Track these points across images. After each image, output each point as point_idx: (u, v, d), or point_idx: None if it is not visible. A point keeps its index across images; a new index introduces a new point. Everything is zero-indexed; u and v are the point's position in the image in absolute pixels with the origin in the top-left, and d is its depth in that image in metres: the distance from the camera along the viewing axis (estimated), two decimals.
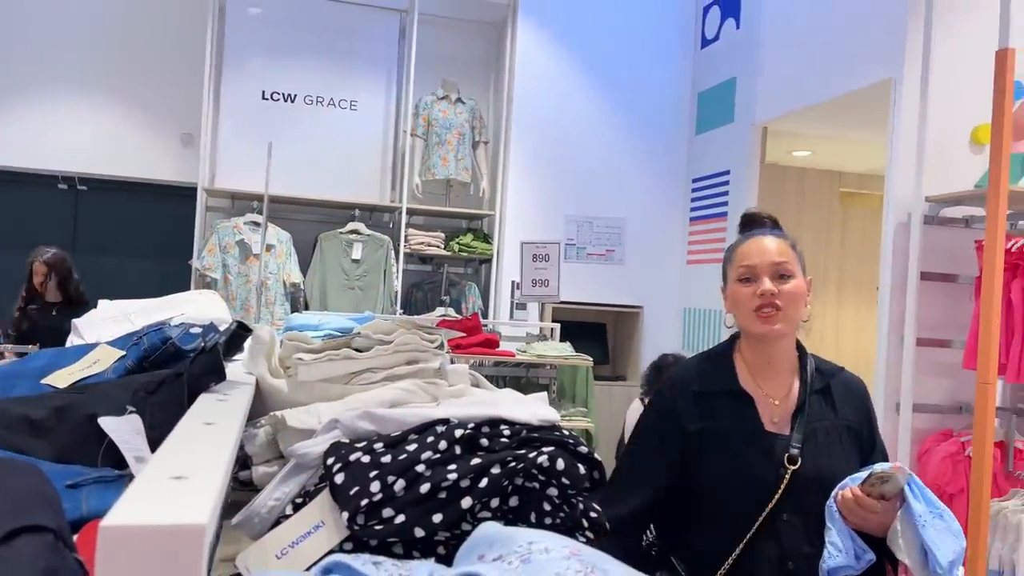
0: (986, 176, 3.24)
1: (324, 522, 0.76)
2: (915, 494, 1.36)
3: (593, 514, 0.82)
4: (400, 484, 0.75)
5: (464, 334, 3.70)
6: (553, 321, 4.44)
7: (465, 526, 0.76)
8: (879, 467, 1.37)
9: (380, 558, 0.69)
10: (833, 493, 1.43)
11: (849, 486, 1.40)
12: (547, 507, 0.78)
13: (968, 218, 3.52)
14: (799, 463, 1.47)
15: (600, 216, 5.46)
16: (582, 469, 0.79)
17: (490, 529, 0.68)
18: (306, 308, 4.72)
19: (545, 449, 0.78)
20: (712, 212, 5.24)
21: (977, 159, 3.53)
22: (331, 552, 0.74)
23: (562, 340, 4.16)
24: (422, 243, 5.07)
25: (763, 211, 1.71)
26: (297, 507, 0.84)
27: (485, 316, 5.07)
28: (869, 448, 1.58)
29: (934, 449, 3.40)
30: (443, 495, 0.74)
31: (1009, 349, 3.16)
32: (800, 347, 1.63)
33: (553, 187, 5.36)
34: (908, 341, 3.46)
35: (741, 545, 1.45)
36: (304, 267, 4.92)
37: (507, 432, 0.82)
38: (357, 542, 0.75)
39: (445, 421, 0.82)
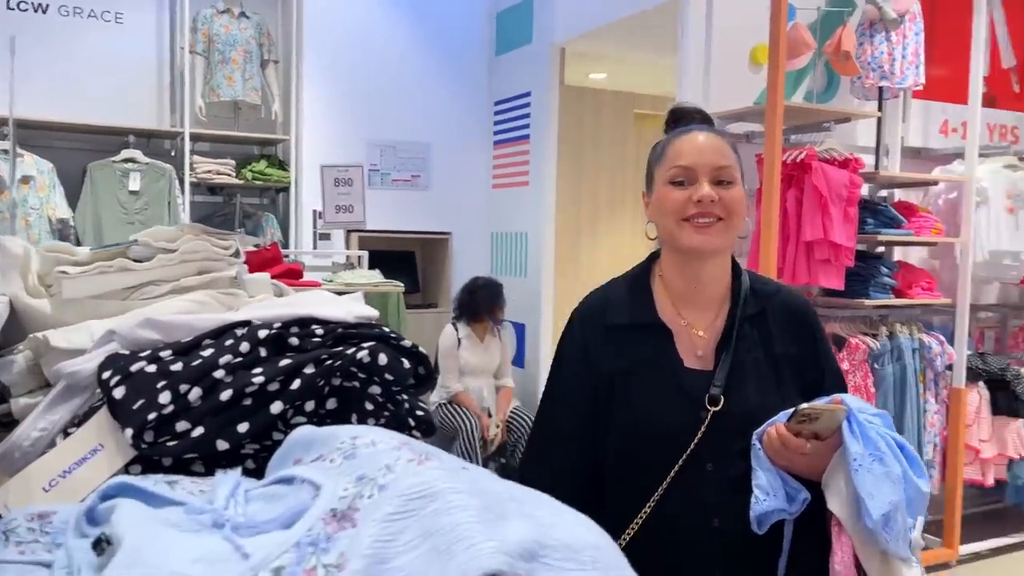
0: (764, 93, 3.46)
1: (103, 444, 0.64)
2: (854, 433, 1.16)
3: (420, 412, 0.75)
4: (196, 393, 0.64)
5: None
6: (360, 250, 4.30)
7: (277, 435, 0.67)
8: (808, 404, 1.17)
9: (176, 477, 0.59)
10: (757, 431, 1.23)
11: (777, 423, 1.21)
12: (370, 406, 0.71)
13: (749, 133, 3.76)
14: (721, 403, 1.27)
15: (404, 140, 5.31)
16: (407, 364, 0.72)
17: (306, 431, 0.60)
18: (78, 246, 4.23)
19: (365, 344, 0.70)
20: (515, 135, 5.26)
21: (756, 78, 3.76)
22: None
23: (370, 269, 4.04)
24: (210, 171, 4.68)
25: (694, 105, 1.46)
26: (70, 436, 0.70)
27: (286, 247, 4.81)
28: (816, 378, 1.36)
29: None
30: (248, 401, 0.65)
31: (785, 253, 3.45)
32: (735, 266, 1.39)
33: (353, 111, 5.13)
34: None
35: (654, 500, 1.26)
36: (73, 200, 4.39)
37: (320, 331, 0.73)
38: (147, 463, 0.64)
39: (246, 323, 0.72)
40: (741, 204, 1.31)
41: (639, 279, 1.42)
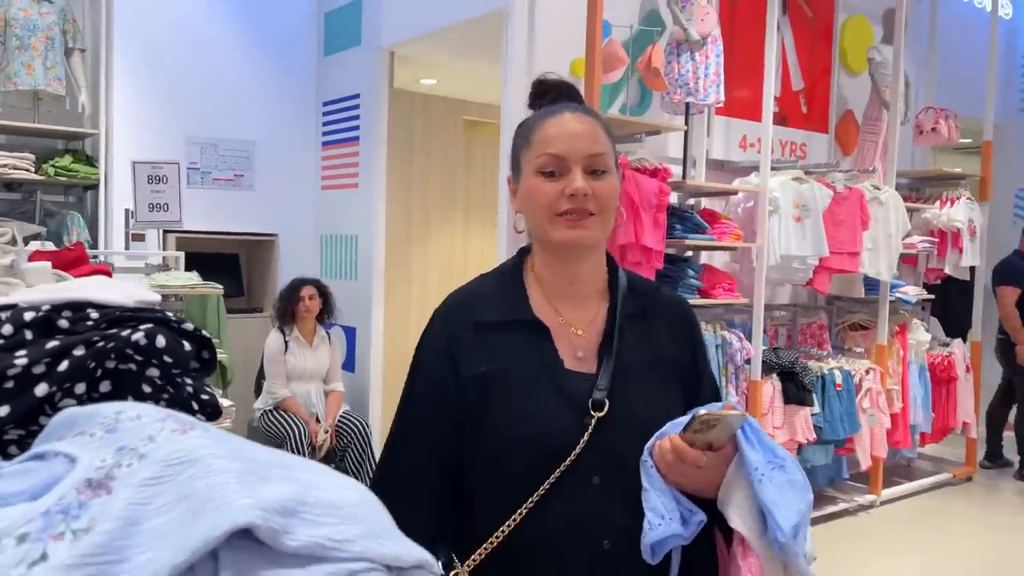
0: None
1: None
2: (750, 441, 1.06)
3: (204, 396, 0.76)
4: None
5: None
6: (178, 251, 4.09)
7: (44, 420, 0.65)
8: (705, 409, 1.05)
9: None
10: (648, 444, 1.12)
11: (668, 435, 1.09)
12: (148, 389, 0.71)
13: None
14: (606, 408, 1.15)
15: (226, 138, 5.11)
16: (188, 347, 0.72)
17: (70, 411, 0.59)
18: None
19: (142, 327, 0.70)
20: (345, 136, 5.21)
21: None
22: None
23: (188, 271, 3.86)
24: (5, 166, 4.29)
25: (559, 77, 1.32)
26: None
27: (95, 248, 4.49)
28: (694, 385, 1.26)
29: None
30: (10, 384, 0.63)
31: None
32: (611, 262, 1.29)
33: (170, 106, 4.88)
34: None
35: (524, 510, 1.12)
36: None
37: (95, 315, 0.72)
38: None
39: (11, 306, 0.69)
40: (615, 194, 1.20)
41: (510, 274, 1.28)
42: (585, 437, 1.13)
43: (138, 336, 0.68)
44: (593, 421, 1.14)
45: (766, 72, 4.11)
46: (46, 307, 0.69)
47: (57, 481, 0.48)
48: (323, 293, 4.65)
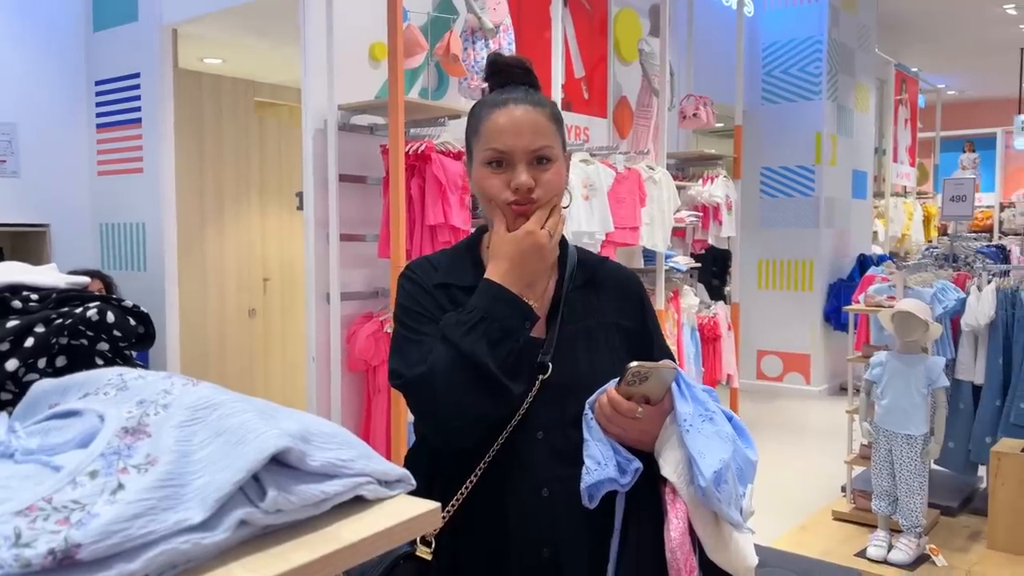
0: (385, 87, 3.72)
1: None
2: (683, 394, 1.14)
3: (144, 367, 0.81)
4: None
5: None
6: None
7: (4, 395, 0.69)
8: (638, 362, 1.12)
9: None
10: (590, 400, 1.20)
11: (608, 389, 1.17)
12: (100, 362, 0.76)
13: (372, 125, 4.01)
14: (549, 371, 1.23)
15: None
16: (132, 321, 0.77)
17: (52, 381, 0.64)
18: None
19: (91, 304, 0.74)
20: (124, 119, 4.88)
21: (376, 72, 4.02)
22: None
23: None
24: None
25: (513, 57, 1.41)
26: None
27: None
28: (647, 347, 1.34)
29: (359, 330, 3.89)
30: None
31: (412, 237, 3.76)
32: (562, 239, 1.36)
33: None
34: (332, 237, 3.84)
35: (480, 468, 1.19)
36: None
37: (35, 296, 0.75)
38: None
39: None
40: (560, 181, 1.27)
41: (467, 249, 1.37)
42: (529, 397, 1.21)
43: (91, 313, 0.73)
44: (538, 382, 1.22)
45: (553, 61, 4.41)
46: None
47: (95, 431, 0.55)
48: (107, 285, 4.37)
